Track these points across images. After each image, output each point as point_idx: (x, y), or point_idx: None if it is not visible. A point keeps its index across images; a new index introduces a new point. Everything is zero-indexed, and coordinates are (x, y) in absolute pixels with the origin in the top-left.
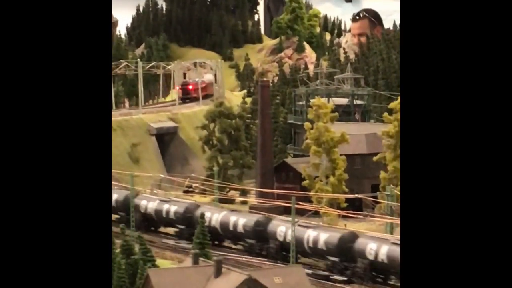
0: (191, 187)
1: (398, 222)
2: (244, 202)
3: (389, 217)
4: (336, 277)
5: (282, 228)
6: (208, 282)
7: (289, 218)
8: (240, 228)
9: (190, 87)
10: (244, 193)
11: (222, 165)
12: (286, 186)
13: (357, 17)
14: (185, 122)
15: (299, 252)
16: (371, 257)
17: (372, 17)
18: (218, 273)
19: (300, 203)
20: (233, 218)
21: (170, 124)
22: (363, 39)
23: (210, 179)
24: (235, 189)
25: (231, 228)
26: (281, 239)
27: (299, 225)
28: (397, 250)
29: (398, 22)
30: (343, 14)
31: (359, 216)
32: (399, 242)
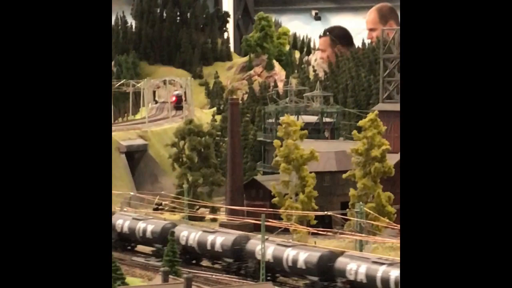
0: (160, 204)
1: (367, 239)
2: (214, 220)
3: (358, 234)
4: None
5: (260, 247)
6: None
7: (269, 237)
8: (218, 247)
9: (182, 98)
10: (214, 210)
11: (192, 182)
12: (256, 203)
13: (321, 35)
14: (155, 140)
15: (278, 271)
16: (351, 277)
17: (335, 35)
18: None
19: (270, 220)
20: (210, 237)
21: (140, 141)
22: (324, 55)
23: (180, 196)
24: (205, 207)
25: (208, 247)
26: (259, 257)
27: (278, 244)
28: (376, 268)
29: (366, 41)
30: (312, 32)
31: (328, 233)
32: (380, 260)
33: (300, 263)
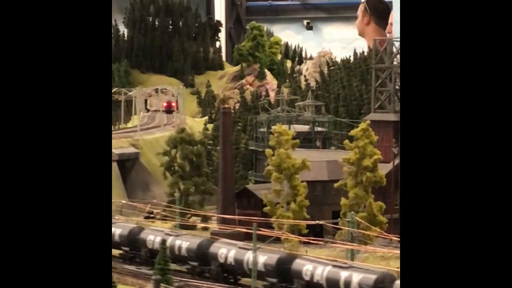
0: (152, 213)
1: (359, 248)
2: (205, 228)
3: (349, 243)
4: None
5: (223, 250)
6: None
7: (231, 241)
8: (183, 251)
9: (173, 104)
10: (205, 219)
11: (184, 191)
12: (248, 212)
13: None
14: (147, 148)
15: (240, 274)
16: (307, 278)
17: (370, 6)
18: None
19: (262, 229)
20: (177, 242)
21: (132, 150)
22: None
23: (171, 205)
24: (197, 215)
25: (176, 252)
26: (222, 261)
27: (239, 247)
28: (334, 271)
29: (358, 50)
30: (304, 42)
31: (320, 242)
32: (337, 264)
33: (260, 266)
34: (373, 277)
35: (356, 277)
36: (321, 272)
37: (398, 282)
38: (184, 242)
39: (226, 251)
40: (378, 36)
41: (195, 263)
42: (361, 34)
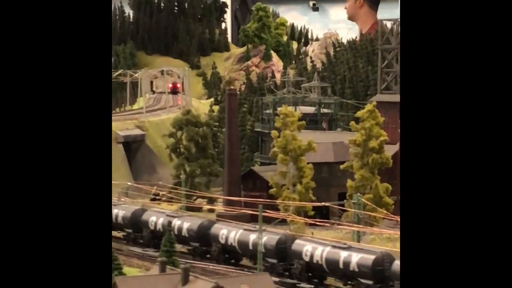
0: (158, 195)
1: (365, 230)
2: (211, 210)
3: (356, 225)
4: (303, 285)
5: (224, 231)
6: None
7: (232, 222)
8: (184, 232)
9: (178, 85)
10: (211, 201)
11: (189, 173)
12: (253, 194)
13: None
14: (152, 130)
15: (241, 255)
16: (307, 259)
17: None
18: (185, 281)
19: (268, 211)
20: (177, 222)
21: (137, 132)
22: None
23: (177, 187)
24: (202, 197)
25: (176, 232)
26: (223, 241)
27: (244, 229)
28: (333, 251)
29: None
30: (310, 23)
31: (326, 224)
32: (336, 244)
33: (260, 247)
34: (371, 257)
35: (355, 257)
36: (320, 252)
37: (397, 262)
38: (186, 223)
39: (227, 232)
40: (371, 19)
41: (196, 244)
42: (352, 17)
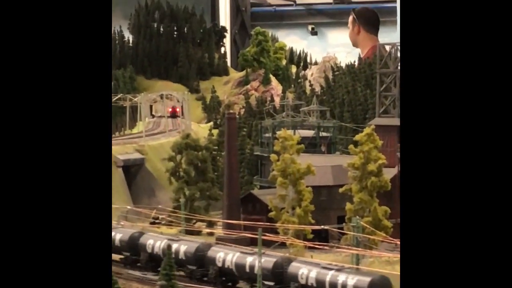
0: (157, 218)
1: (364, 253)
2: (210, 234)
3: (355, 248)
4: None
5: (221, 254)
6: None
7: (230, 245)
8: (181, 255)
9: (178, 109)
10: (210, 224)
11: (189, 196)
12: (253, 218)
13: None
14: (152, 154)
15: (238, 278)
16: (303, 282)
17: (358, 16)
18: None
19: (267, 234)
20: (174, 245)
21: (137, 155)
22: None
23: (176, 210)
24: (202, 221)
25: (173, 255)
26: (220, 264)
27: (241, 252)
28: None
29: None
30: (309, 47)
31: (325, 247)
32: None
33: (257, 269)
34: (367, 279)
35: (351, 281)
36: (314, 275)
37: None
38: (183, 246)
39: (223, 254)
40: (370, 43)
41: (193, 267)
42: (355, 44)
